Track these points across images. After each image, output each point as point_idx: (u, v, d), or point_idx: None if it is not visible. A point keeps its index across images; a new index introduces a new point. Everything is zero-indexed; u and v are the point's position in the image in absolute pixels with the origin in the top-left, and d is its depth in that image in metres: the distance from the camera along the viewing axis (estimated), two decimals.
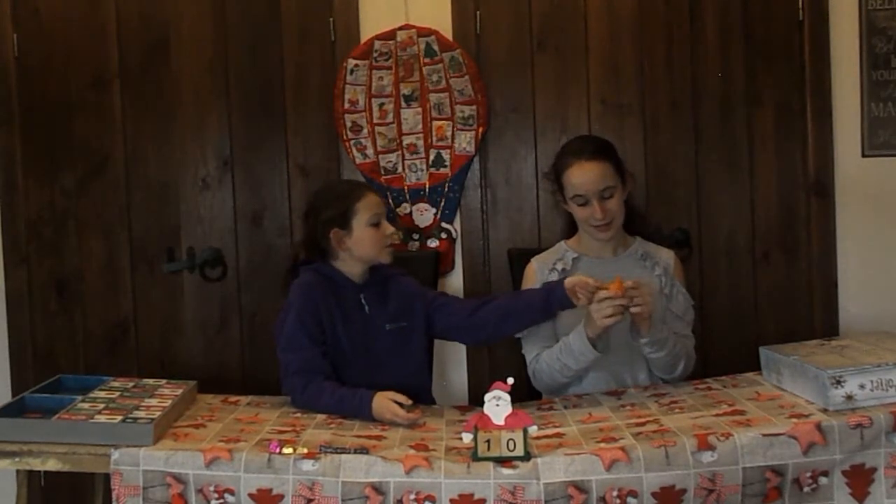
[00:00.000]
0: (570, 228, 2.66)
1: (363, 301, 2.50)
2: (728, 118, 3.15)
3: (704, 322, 3.10)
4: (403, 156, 3.18)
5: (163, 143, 3.24)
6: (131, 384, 2.41)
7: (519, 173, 3.20)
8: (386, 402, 2.23)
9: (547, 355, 2.50)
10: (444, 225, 3.20)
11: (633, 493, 1.91)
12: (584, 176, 2.47)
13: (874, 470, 2.01)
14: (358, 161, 3.18)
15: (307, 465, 1.96)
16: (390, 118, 3.18)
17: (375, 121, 3.17)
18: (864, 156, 3.13)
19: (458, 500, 1.91)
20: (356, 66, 3.16)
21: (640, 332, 2.39)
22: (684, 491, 1.92)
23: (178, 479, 1.98)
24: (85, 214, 3.25)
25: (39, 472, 2.37)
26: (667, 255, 2.61)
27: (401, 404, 2.23)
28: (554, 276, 2.54)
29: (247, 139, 3.24)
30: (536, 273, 2.59)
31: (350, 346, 2.46)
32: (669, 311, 2.54)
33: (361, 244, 2.48)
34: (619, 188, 2.50)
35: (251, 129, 3.23)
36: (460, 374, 3.21)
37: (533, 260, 2.64)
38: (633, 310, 2.32)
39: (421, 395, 2.48)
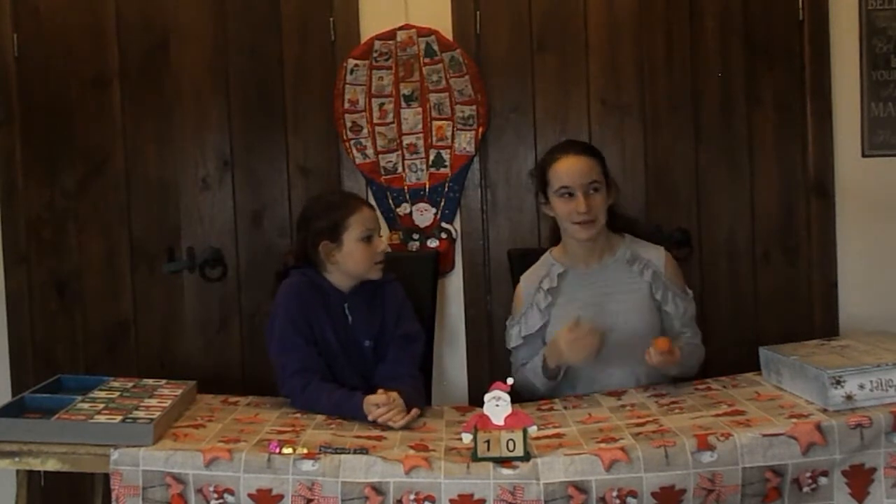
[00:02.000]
0: (556, 235, 2.64)
1: (347, 311, 2.49)
2: (728, 118, 3.15)
3: (704, 322, 3.09)
4: (403, 156, 3.18)
5: (163, 143, 3.24)
6: (131, 384, 2.41)
7: (519, 173, 3.19)
8: (371, 409, 2.22)
9: (531, 366, 2.52)
10: (444, 225, 3.20)
11: (633, 494, 1.91)
12: (571, 167, 2.47)
13: (874, 470, 2.01)
14: (358, 161, 3.18)
15: (307, 465, 1.96)
16: (390, 118, 3.18)
17: (375, 121, 3.17)
18: (864, 156, 3.12)
19: (457, 501, 1.91)
20: (356, 66, 3.16)
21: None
22: (684, 491, 1.92)
23: (178, 479, 1.98)
24: (85, 214, 3.25)
25: (39, 472, 2.37)
26: (656, 255, 2.56)
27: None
28: (541, 297, 2.54)
29: (247, 139, 3.24)
30: (524, 295, 2.59)
31: (339, 346, 2.46)
32: (666, 314, 2.53)
33: (351, 259, 2.45)
34: (604, 188, 2.49)
35: (251, 129, 3.23)
36: (460, 374, 3.21)
37: (521, 279, 2.63)
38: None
39: (416, 400, 2.41)
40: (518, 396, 2.47)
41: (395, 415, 2.20)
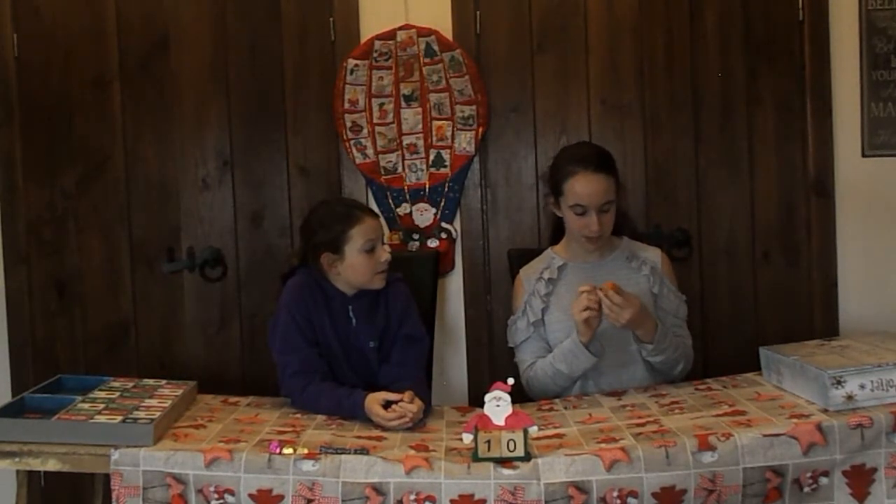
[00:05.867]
0: (556, 233, 2.67)
1: (351, 314, 2.48)
2: (728, 118, 3.15)
3: (704, 322, 3.11)
4: (403, 156, 3.18)
5: (163, 143, 3.24)
6: (131, 384, 2.41)
7: (519, 173, 3.20)
8: (373, 407, 2.22)
9: (541, 364, 2.51)
10: (444, 225, 3.20)
11: (634, 494, 1.91)
12: (589, 188, 2.45)
13: (874, 470, 2.01)
14: (358, 161, 3.18)
15: (307, 465, 1.96)
16: (390, 118, 3.18)
17: (375, 121, 3.17)
18: (864, 156, 3.13)
19: (458, 501, 1.91)
20: (356, 66, 3.16)
21: (641, 340, 2.42)
22: (685, 491, 1.93)
23: (178, 479, 1.98)
24: (85, 214, 3.25)
25: (39, 472, 2.37)
26: (653, 254, 2.61)
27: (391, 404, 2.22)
28: (541, 286, 2.57)
29: (247, 139, 3.23)
30: (524, 285, 2.62)
31: (341, 349, 2.46)
32: (661, 309, 2.54)
33: (353, 270, 2.43)
34: (615, 203, 2.50)
35: (251, 129, 3.23)
36: (460, 374, 3.21)
37: (521, 271, 2.65)
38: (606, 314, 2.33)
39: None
40: (526, 398, 2.48)
41: (413, 417, 2.20)
